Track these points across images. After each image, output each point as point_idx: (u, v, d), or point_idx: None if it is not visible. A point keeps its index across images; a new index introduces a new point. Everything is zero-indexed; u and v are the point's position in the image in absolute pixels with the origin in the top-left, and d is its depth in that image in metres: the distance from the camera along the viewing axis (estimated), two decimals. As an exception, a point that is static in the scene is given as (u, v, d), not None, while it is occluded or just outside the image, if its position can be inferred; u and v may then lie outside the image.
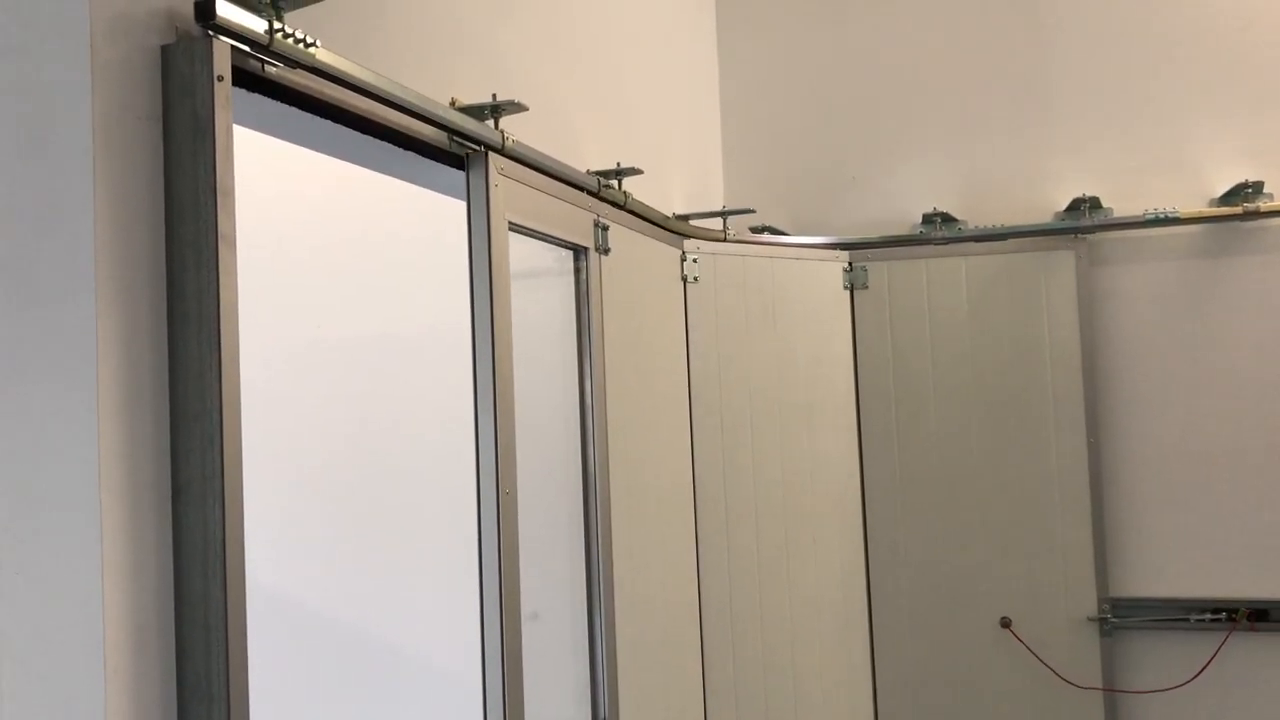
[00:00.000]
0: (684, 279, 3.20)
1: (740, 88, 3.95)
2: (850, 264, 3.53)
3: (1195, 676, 3.42)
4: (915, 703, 3.47)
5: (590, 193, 2.70)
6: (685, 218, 3.32)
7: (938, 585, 3.49)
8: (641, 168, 2.88)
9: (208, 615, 1.52)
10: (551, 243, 2.57)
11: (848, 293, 3.53)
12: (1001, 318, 3.53)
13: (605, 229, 2.74)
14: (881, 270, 3.55)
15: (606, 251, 2.73)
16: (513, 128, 2.35)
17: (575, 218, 2.62)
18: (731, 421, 3.24)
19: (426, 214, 2.46)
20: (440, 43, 2.33)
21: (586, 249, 2.66)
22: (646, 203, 3.01)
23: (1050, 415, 3.49)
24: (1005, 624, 3.46)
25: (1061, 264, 3.52)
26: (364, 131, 2.00)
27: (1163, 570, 3.50)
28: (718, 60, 3.97)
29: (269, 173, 2.36)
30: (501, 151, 2.30)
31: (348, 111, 1.92)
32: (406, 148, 2.12)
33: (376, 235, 2.94)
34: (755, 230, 3.64)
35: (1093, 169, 3.58)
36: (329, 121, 1.92)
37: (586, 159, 2.85)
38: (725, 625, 3.15)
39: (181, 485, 1.54)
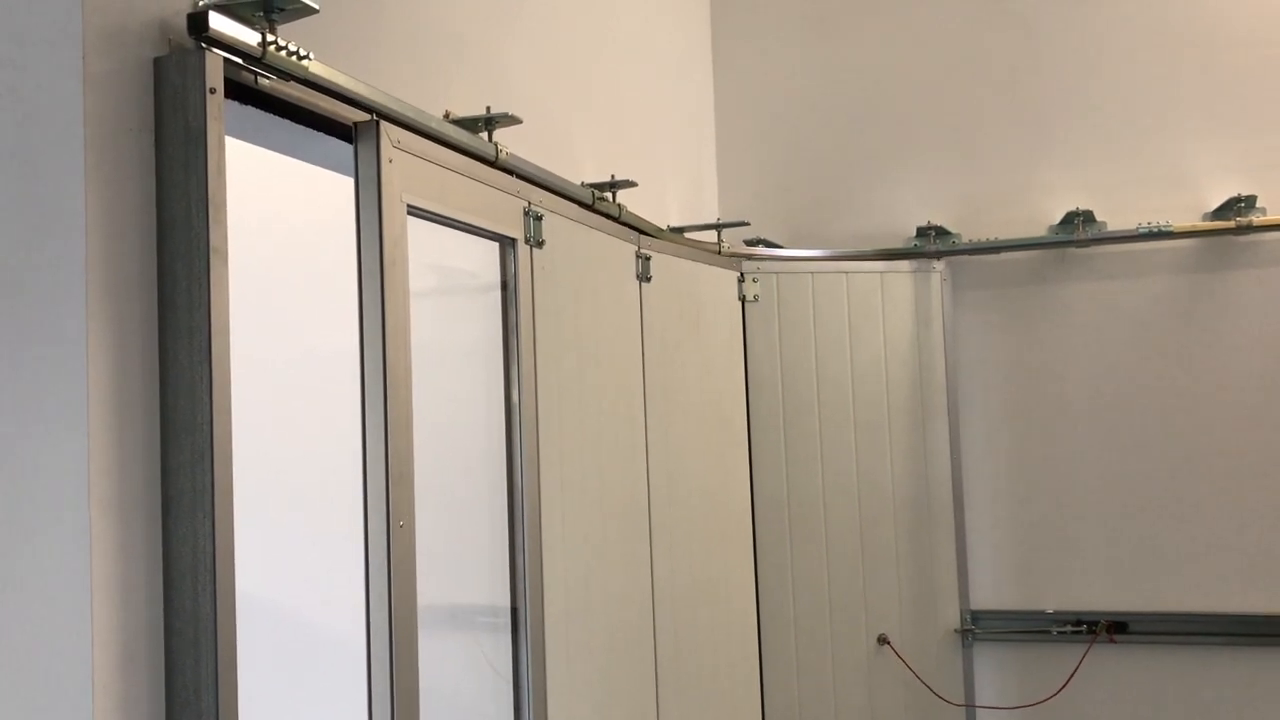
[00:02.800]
0: (639, 278, 2.93)
1: (735, 101, 3.96)
2: (742, 275, 3.44)
3: (1059, 691, 3.46)
4: (802, 723, 3.41)
5: (520, 176, 2.38)
6: (680, 230, 3.32)
7: (821, 603, 3.43)
8: (637, 180, 2.88)
9: (197, 630, 1.51)
10: (467, 231, 2.23)
11: (740, 304, 3.43)
12: (877, 335, 3.54)
13: (539, 218, 2.41)
14: (771, 283, 3.48)
15: (540, 244, 2.41)
16: (508, 140, 2.34)
17: (500, 204, 2.29)
18: (675, 435, 3.05)
19: (422, 227, 2.42)
20: (437, 56, 2.33)
21: (514, 240, 2.33)
22: (641, 215, 3.00)
23: (920, 432, 3.54)
24: (883, 641, 3.45)
25: (929, 284, 3.59)
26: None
27: (1025, 583, 3.58)
28: (713, 74, 3.98)
29: (262, 184, 2.35)
30: (397, 121, 1.98)
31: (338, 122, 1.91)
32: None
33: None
34: (750, 243, 3.64)
35: (1086, 183, 3.59)
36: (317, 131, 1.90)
37: (582, 171, 2.85)
38: (671, 646, 2.97)
39: (172, 499, 1.53)
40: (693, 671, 3.03)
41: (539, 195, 2.45)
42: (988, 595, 3.60)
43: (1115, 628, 3.46)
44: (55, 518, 1.45)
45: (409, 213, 1.97)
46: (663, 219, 3.32)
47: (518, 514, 2.30)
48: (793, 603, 3.41)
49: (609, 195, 2.82)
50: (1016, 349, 3.62)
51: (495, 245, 2.35)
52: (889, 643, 3.44)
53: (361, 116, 1.91)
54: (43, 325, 1.47)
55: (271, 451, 2.70)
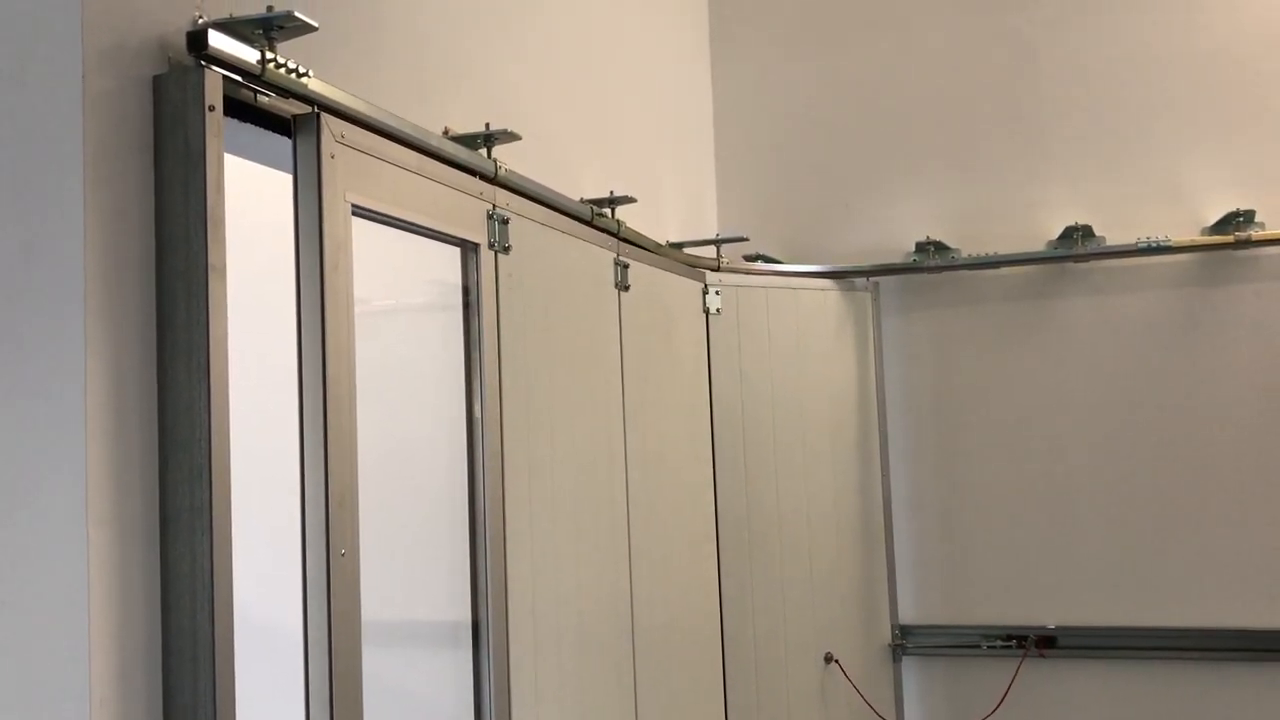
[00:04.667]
0: (617, 286, 2.81)
1: (734, 116, 3.96)
2: (705, 287, 3.38)
3: (996, 708, 3.47)
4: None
5: (483, 177, 2.25)
6: (679, 245, 3.32)
7: (777, 622, 3.40)
8: (636, 196, 2.88)
9: (195, 648, 1.50)
10: (424, 235, 2.09)
11: (704, 317, 3.38)
12: (821, 354, 3.56)
13: (505, 222, 2.28)
14: (731, 297, 3.43)
15: (505, 249, 2.27)
16: (507, 157, 2.35)
17: (460, 206, 2.15)
18: (651, 450, 2.93)
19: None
20: (437, 74, 2.34)
21: (477, 245, 2.19)
22: (640, 231, 3.00)
23: (855, 449, 3.58)
24: (829, 659, 3.44)
25: (861, 304, 3.64)
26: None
27: (956, 597, 3.61)
28: (712, 89, 3.99)
29: (262, 198, 2.35)
30: (341, 113, 1.83)
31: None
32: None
33: (370, 262, 2.92)
34: (749, 258, 3.65)
35: (1085, 198, 3.59)
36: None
37: (581, 187, 2.86)
38: (649, 671, 2.88)
39: (170, 516, 1.53)
40: (665, 695, 2.97)
41: (505, 197, 2.31)
42: (923, 611, 3.63)
43: (1044, 642, 3.48)
44: (53, 534, 1.45)
45: (354, 214, 1.82)
46: (661, 234, 3.32)
47: (479, 531, 2.19)
48: (753, 623, 3.36)
49: (608, 211, 2.82)
50: (1008, 364, 3.62)
51: (457, 250, 2.22)
52: (836, 661, 3.44)
53: (301, 109, 1.77)
54: (41, 341, 1.47)
55: (270, 466, 2.69)
